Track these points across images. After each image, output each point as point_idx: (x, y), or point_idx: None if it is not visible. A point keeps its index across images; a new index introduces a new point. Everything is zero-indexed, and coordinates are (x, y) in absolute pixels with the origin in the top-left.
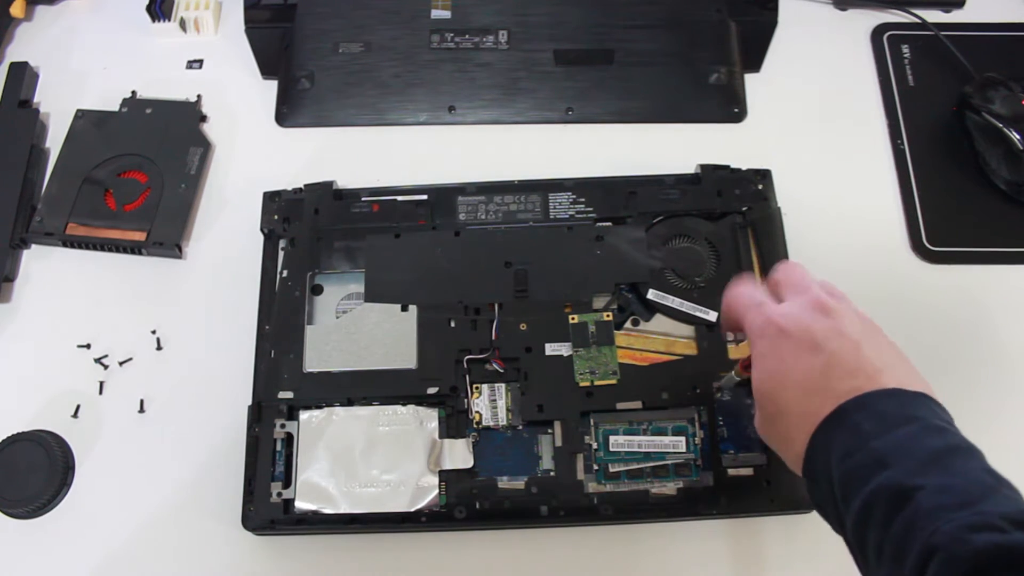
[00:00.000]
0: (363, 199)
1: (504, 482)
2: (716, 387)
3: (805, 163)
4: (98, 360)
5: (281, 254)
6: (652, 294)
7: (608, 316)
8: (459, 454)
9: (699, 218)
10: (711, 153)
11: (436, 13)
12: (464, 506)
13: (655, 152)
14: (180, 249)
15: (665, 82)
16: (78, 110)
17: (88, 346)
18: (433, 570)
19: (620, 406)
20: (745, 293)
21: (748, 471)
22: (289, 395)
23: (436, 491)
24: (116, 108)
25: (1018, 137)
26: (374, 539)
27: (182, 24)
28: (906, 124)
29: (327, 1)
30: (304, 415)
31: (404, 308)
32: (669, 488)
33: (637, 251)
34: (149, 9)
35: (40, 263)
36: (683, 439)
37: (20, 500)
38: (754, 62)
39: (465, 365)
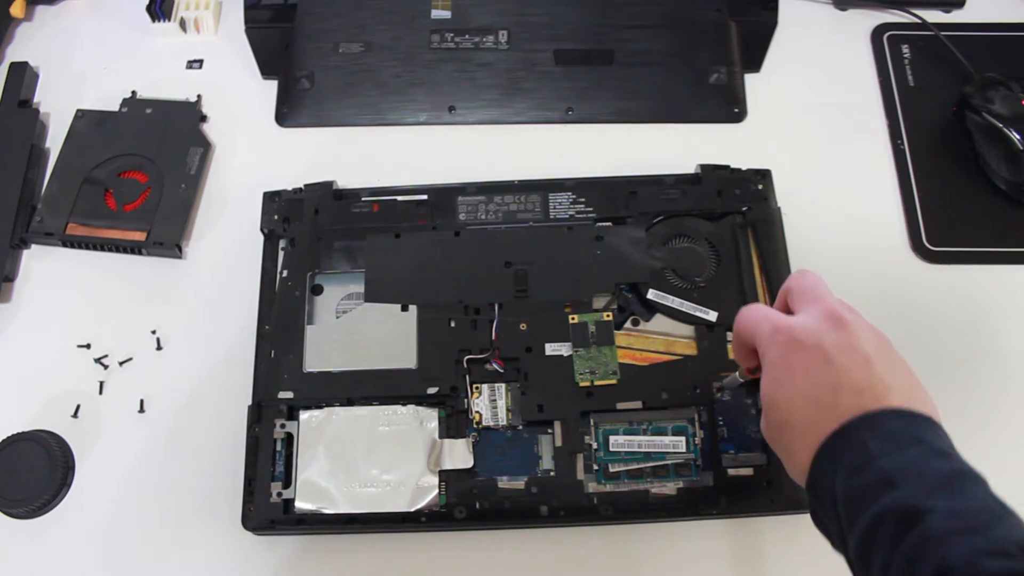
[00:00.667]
0: (363, 199)
1: (504, 482)
2: (717, 387)
3: (805, 163)
4: (98, 360)
5: (281, 254)
6: (652, 294)
7: (608, 316)
8: (459, 454)
9: (699, 218)
10: (711, 153)
11: (436, 13)
12: (464, 506)
13: (655, 152)
14: (180, 249)
15: (665, 82)
16: (78, 110)
17: (88, 346)
18: (433, 570)
19: (620, 406)
20: (757, 310)
21: (748, 471)
22: (289, 395)
23: (436, 491)
24: (116, 108)
25: (1018, 137)
26: (374, 539)
27: (182, 24)
28: (906, 124)
29: (327, 1)
30: (304, 415)
31: (404, 308)
32: (669, 488)
33: (637, 251)
34: (149, 9)
35: (40, 263)
36: (683, 439)
37: (20, 500)
38: (754, 62)
39: (465, 365)
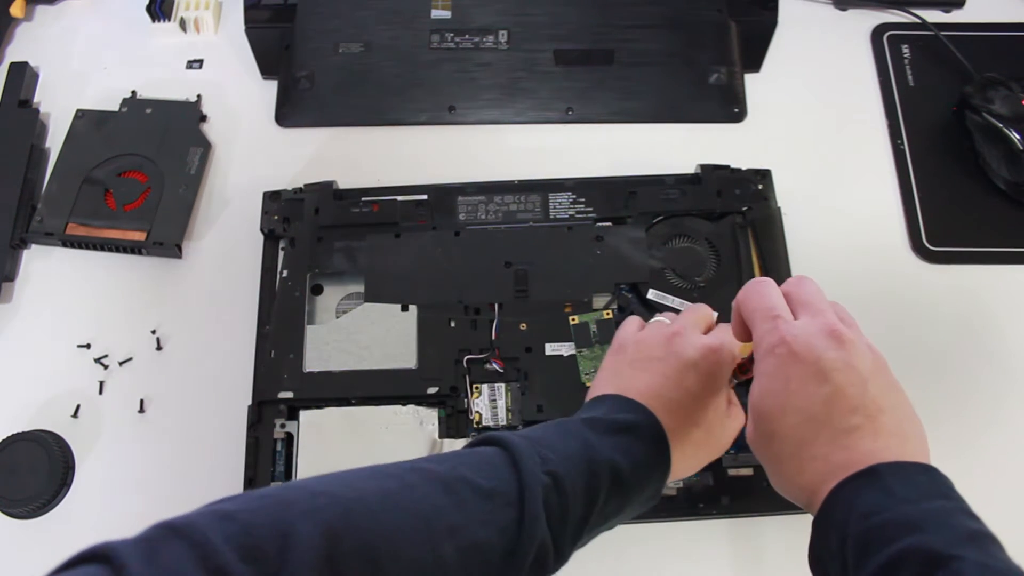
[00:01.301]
0: (363, 199)
1: None
2: None
3: (805, 163)
4: (98, 360)
5: (281, 254)
6: (652, 294)
7: (609, 315)
8: None
9: (699, 218)
10: (711, 153)
11: (436, 13)
12: None
13: (655, 152)
14: (180, 249)
15: (665, 82)
16: (78, 110)
17: (88, 346)
18: None
19: None
20: (764, 296)
21: (748, 471)
22: (289, 395)
23: None
24: (116, 108)
25: (1018, 137)
26: None
27: (182, 24)
28: (906, 124)
29: (327, 1)
30: (304, 415)
31: (404, 308)
32: (669, 488)
33: (637, 251)
34: (149, 9)
35: (40, 263)
36: None
37: (20, 500)
38: (754, 62)
39: (465, 365)
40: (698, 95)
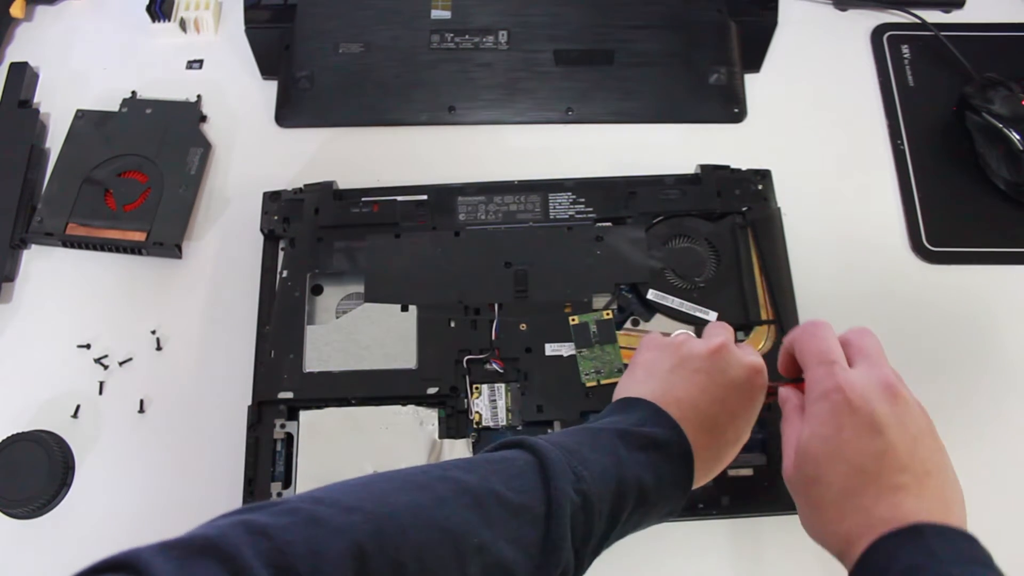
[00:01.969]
0: (363, 199)
1: None
2: None
3: (805, 163)
4: (98, 360)
5: (281, 254)
6: (652, 294)
7: (608, 315)
8: (459, 454)
9: (699, 218)
10: (711, 153)
11: (436, 13)
12: None
13: (655, 152)
14: (180, 249)
15: (665, 82)
16: (78, 110)
17: (88, 346)
18: None
19: None
20: (822, 339)
21: (748, 471)
22: (289, 395)
23: None
24: (116, 108)
25: (1018, 137)
26: None
27: (182, 24)
28: (906, 124)
29: (327, 1)
30: (304, 415)
31: (404, 308)
32: None
33: (637, 251)
34: (149, 9)
35: (40, 263)
36: None
37: (20, 500)
38: (754, 62)
39: (465, 365)
40: (698, 95)
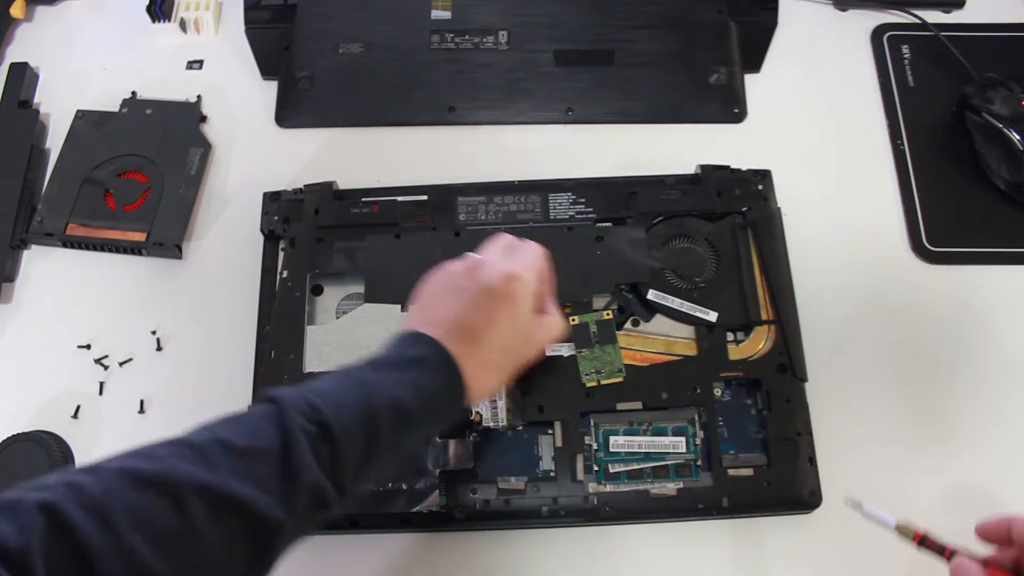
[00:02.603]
0: (363, 199)
1: (504, 482)
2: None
3: (805, 163)
4: (98, 360)
5: (281, 255)
6: (652, 294)
7: (608, 315)
8: (459, 454)
9: (699, 218)
10: (711, 153)
11: (436, 13)
12: (464, 506)
13: (655, 152)
14: (180, 249)
15: (665, 82)
16: (78, 110)
17: (88, 346)
18: (433, 570)
19: (620, 406)
20: None
21: (748, 471)
22: None
23: (436, 491)
24: (116, 108)
25: (1018, 137)
26: (374, 539)
27: (182, 24)
28: (906, 124)
29: (327, 1)
30: None
31: (404, 308)
32: (669, 488)
33: (637, 251)
34: (149, 9)
35: (40, 263)
36: (683, 439)
37: None
38: (754, 62)
39: None
40: (698, 95)
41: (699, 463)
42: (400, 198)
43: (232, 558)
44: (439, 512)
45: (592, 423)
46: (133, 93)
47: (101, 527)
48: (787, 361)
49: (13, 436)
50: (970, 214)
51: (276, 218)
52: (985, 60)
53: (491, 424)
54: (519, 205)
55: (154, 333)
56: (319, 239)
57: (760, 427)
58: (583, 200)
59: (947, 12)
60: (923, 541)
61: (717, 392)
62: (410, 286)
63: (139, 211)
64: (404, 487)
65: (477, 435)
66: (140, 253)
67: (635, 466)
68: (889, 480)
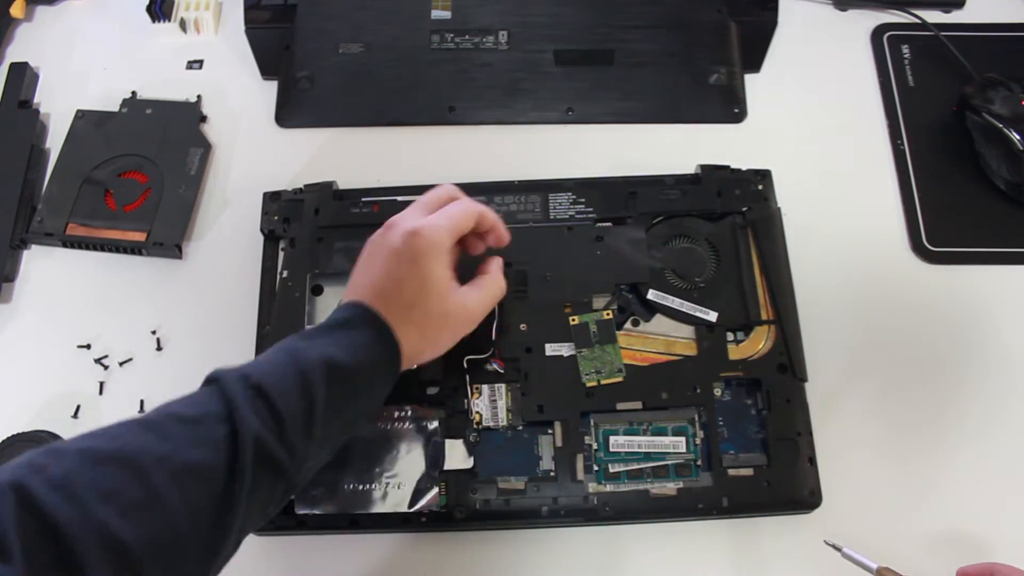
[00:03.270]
0: (363, 199)
1: (504, 482)
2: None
3: (805, 163)
4: (98, 360)
5: (281, 254)
6: (652, 294)
7: (608, 314)
8: (459, 454)
9: (699, 218)
10: (711, 153)
11: (436, 13)
12: (464, 506)
13: (655, 152)
14: (180, 249)
15: (665, 82)
16: (78, 110)
17: (88, 346)
18: (433, 570)
19: (620, 406)
20: None
21: (748, 471)
22: None
23: (436, 491)
24: (116, 108)
25: (1018, 137)
26: (374, 539)
27: (182, 24)
28: (906, 124)
29: (327, 1)
30: None
31: None
32: (669, 488)
33: (637, 251)
34: (149, 9)
35: (40, 263)
36: (683, 439)
37: None
38: (754, 62)
39: (465, 365)
40: (698, 95)
41: (699, 463)
42: (400, 198)
43: (196, 522)
44: (439, 512)
45: (592, 423)
46: (133, 93)
47: (68, 502)
48: (787, 361)
49: (13, 436)
50: (970, 214)
51: (276, 218)
52: (985, 60)
53: (491, 424)
54: (519, 205)
55: (154, 333)
56: (319, 239)
57: (760, 427)
58: (583, 200)
59: (947, 12)
60: None
61: (717, 392)
62: None
63: (139, 211)
64: (403, 486)
65: (477, 435)
66: (140, 253)
67: (635, 466)
68: (889, 480)
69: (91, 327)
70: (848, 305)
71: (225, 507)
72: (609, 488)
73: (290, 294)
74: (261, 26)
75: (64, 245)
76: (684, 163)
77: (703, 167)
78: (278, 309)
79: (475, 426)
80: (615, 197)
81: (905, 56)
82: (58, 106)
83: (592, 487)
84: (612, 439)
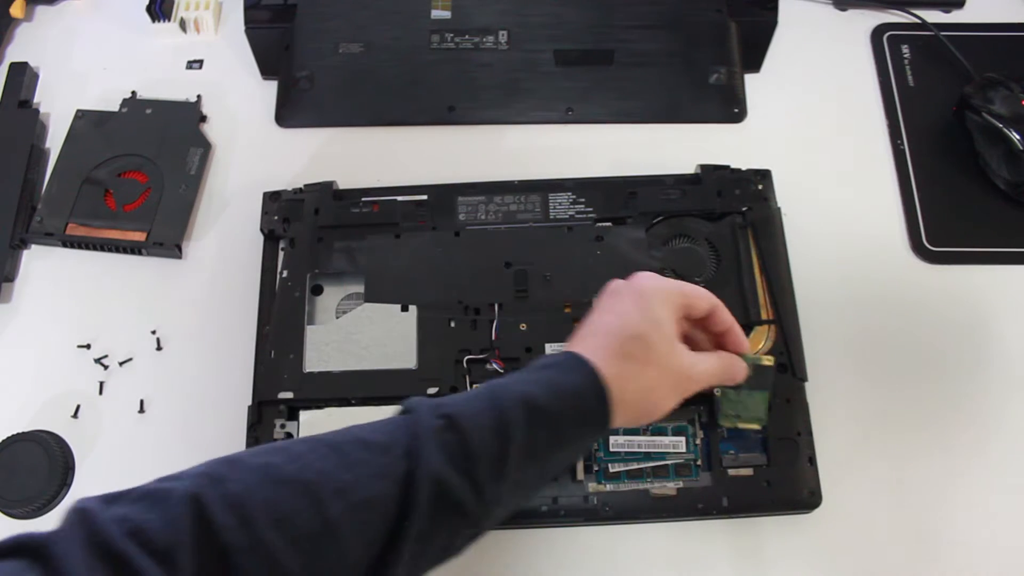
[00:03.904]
0: (363, 199)
1: None
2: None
3: (805, 163)
4: (98, 360)
5: (281, 254)
6: None
7: (769, 361)
8: None
9: (699, 218)
10: (711, 153)
11: (436, 13)
12: None
13: (655, 152)
14: (180, 249)
15: (665, 82)
16: (78, 110)
17: (88, 346)
18: (433, 570)
19: None
20: None
21: (748, 471)
22: (289, 395)
23: None
24: (116, 108)
25: (1018, 137)
26: None
27: (182, 24)
28: (906, 124)
29: (327, 1)
30: (304, 415)
31: (404, 308)
32: (669, 488)
33: (637, 251)
34: (149, 9)
35: (40, 263)
36: (683, 439)
37: (20, 500)
38: (754, 62)
39: (465, 365)
40: (698, 95)
41: (699, 463)
42: (400, 198)
43: (366, 555)
44: None
45: None
46: (133, 93)
47: (240, 524)
48: (787, 361)
49: (13, 436)
50: (970, 214)
51: (276, 218)
52: (985, 60)
53: None
54: (519, 205)
55: (154, 333)
56: (319, 239)
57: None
58: (583, 200)
59: (947, 12)
60: None
61: (717, 392)
62: (410, 286)
63: (139, 211)
64: None
65: None
66: (140, 253)
67: (635, 466)
68: (889, 480)
69: (91, 327)
70: (848, 305)
71: (392, 544)
72: (609, 488)
73: (290, 294)
74: (261, 26)
75: (64, 245)
76: (684, 163)
77: (703, 167)
78: (278, 309)
79: None
80: (615, 197)
81: (905, 56)
82: (58, 106)
83: (592, 487)
84: (612, 439)
